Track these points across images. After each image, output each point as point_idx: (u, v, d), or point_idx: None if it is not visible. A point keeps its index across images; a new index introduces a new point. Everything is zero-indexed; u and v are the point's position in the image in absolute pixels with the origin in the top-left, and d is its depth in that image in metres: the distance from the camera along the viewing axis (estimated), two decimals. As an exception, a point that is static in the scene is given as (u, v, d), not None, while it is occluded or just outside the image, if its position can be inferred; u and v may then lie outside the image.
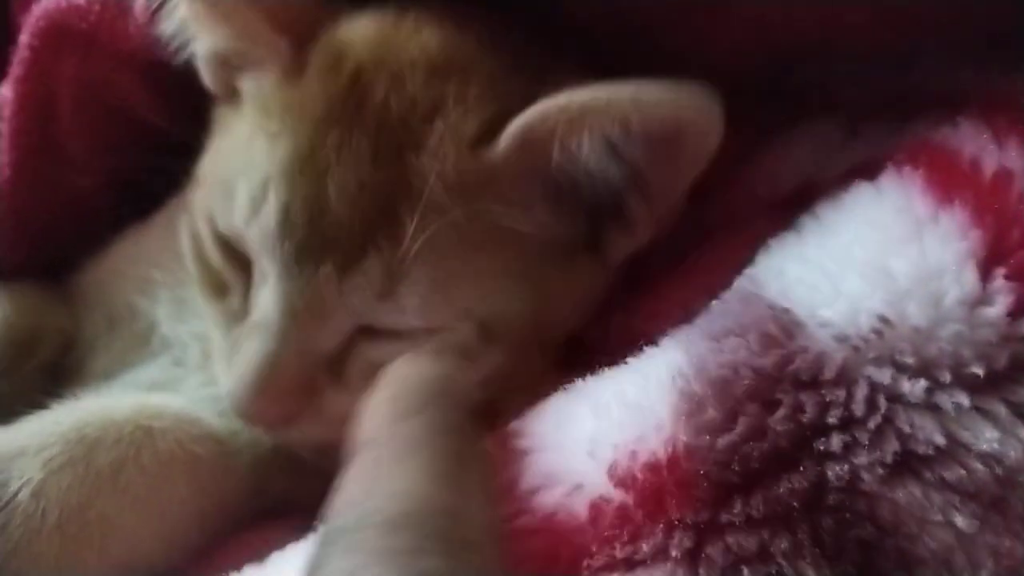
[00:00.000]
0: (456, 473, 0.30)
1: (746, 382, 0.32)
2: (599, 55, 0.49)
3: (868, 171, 0.41)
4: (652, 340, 0.46)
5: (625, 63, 0.46)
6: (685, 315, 0.47)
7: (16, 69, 0.58)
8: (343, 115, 0.44)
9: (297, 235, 0.43)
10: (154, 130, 0.64)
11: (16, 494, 0.43)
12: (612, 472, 0.32)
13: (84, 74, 0.58)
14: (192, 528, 0.48)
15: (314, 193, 0.43)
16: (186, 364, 0.56)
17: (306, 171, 0.44)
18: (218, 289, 0.49)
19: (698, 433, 0.32)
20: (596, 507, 0.32)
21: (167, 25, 0.50)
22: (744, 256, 0.48)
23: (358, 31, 0.48)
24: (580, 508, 0.32)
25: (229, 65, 0.50)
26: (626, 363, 0.38)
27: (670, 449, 0.32)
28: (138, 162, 0.65)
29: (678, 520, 0.31)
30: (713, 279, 0.47)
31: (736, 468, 0.31)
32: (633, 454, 0.33)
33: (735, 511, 0.31)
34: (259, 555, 0.45)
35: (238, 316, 0.47)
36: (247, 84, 0.49)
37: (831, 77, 0.52)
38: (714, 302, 0.38)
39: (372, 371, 0.44)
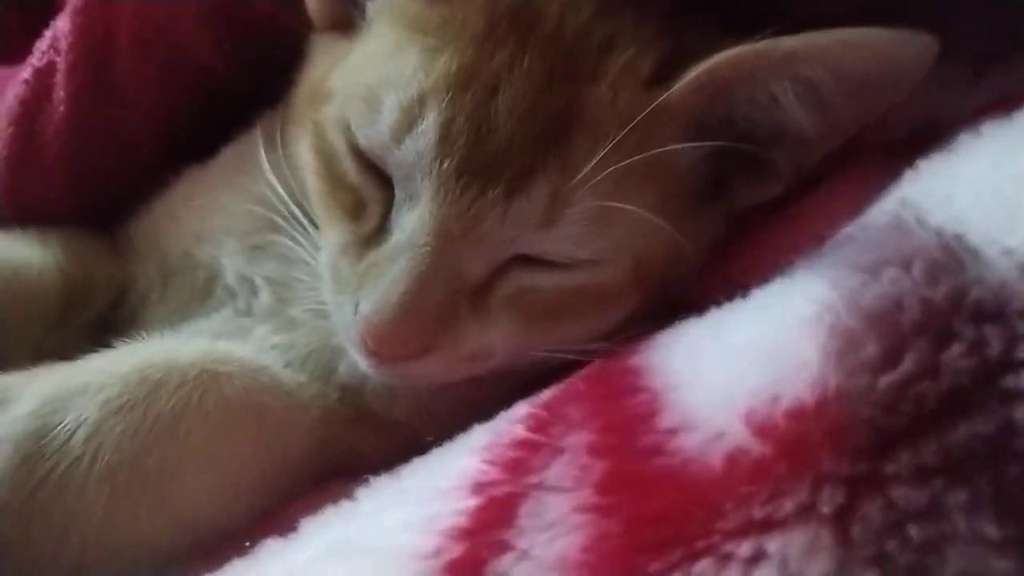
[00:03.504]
0: None
1: (913, 315, 0.27)
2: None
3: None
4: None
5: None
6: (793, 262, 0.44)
7: (74, 2, 0.55)
8: (512, 34, 0.43)
9: (458, 154, 0.41)
10: (210, 78, 0.61)
11: (71, 435, 0.40)
12: (750, 419, 0.28)
13: (143, 15, 0.56)
14: (256, 484, 0.45)
15: (480, 111, 0.41)
16: (253, 313, 0.53)
17: (471, 88, 0.42)
18: (351, 209, 0.46)
19: (854, 373, 0.27)
20: (732, 459, 0.28)
21: None
22: (856, 201, 0.44)
23: None
24: (715, 460, 0.28)
25: None
26: (750, 296, 0.34)
27: (819, 392, 0.28)
28: (193, 111, 0.62)
29: (829, 473, 0.26)
30: (821, 226, 0.45)
31: (904, 411, 0.26)
32: (774, 399, 0.28)
33: (902, 461, 0.26)
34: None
35: (372, 238, 0.44)
36: (380, 3, 0.47)
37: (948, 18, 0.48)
38: (852, 231, 0.33)
39: (518, 301, 0.44)
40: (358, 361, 0.47)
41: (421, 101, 0.42)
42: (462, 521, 0.30)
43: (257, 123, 0.57)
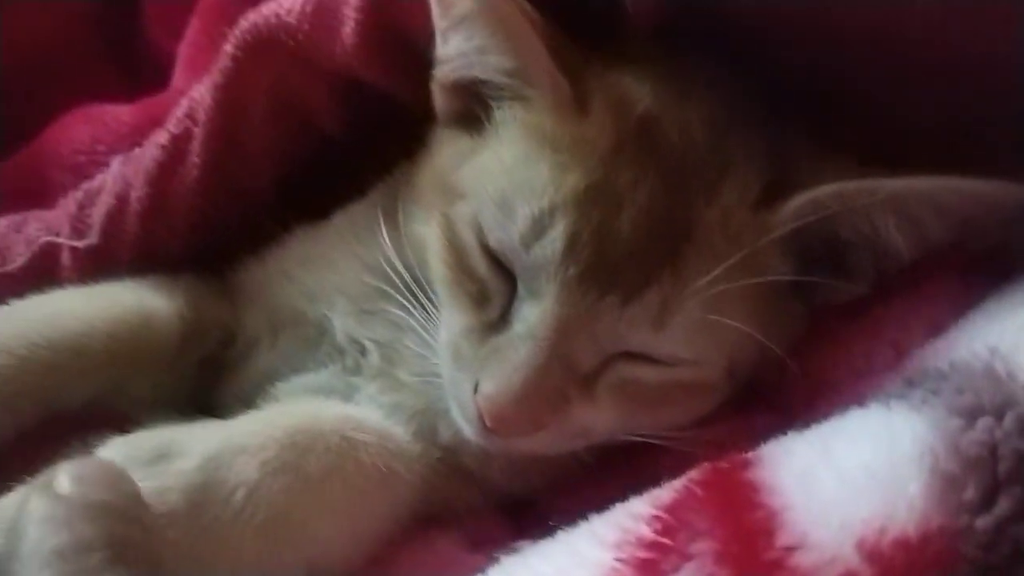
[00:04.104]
0: None
1: (1007, 464, 0.32)
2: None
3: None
4: (837, 387, 0.48)
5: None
6: (867, 364, 0.50)
7: (216, 76, 0.60)
8: (636, 157, 0.47)
9: (583, 263, 0.46)
10: (325, 140, 0.66)
11: (233, 492, 0.45)
12: (861, 546, 0.32)
13: (280, 86, 0.61)
14: (375, 533, 0.50)
15: (605, 226, 0.46)
16: (361, 372, 0.58)
17: (598, 204, 0.46)
18: (475, 297, 0.50)
19: (954, 513, 0.32)
20: (845, 579, 0.32)
21: (444, 50, 0.52)
22: (930, 313, 0.49)
23: (637, 80, 0.50)
24: (830, 578, 0.32)
25: (477, 94, 0.53)
26: (846, 416, 0.38)
27: (923, 529, 0.32)
28: (303, 167, 0.68)
29: (934, 600, 0.31)
30: (897, 333, 0.50)
31: (999, 549, 0.31)
32: (882, 530, 0.33)
33: (995, 594, 0.30)
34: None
35: (493, 325, 0.49)
36: (510, 112, 0.52)
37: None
38: (943, 367, 0.38)
39: (621, 390, 0.48)
40: (465, 429, 0.52)
41: (551, 213, 0.47)
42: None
43: (371, 194, 0.63)
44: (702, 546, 0.35)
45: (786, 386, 0.53)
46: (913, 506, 0.33)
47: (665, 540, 0.36)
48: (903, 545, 0.32)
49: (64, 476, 0.39)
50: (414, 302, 0.56)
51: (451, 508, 0.56)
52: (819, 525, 0.34)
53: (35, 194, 0.85)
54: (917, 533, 0.32)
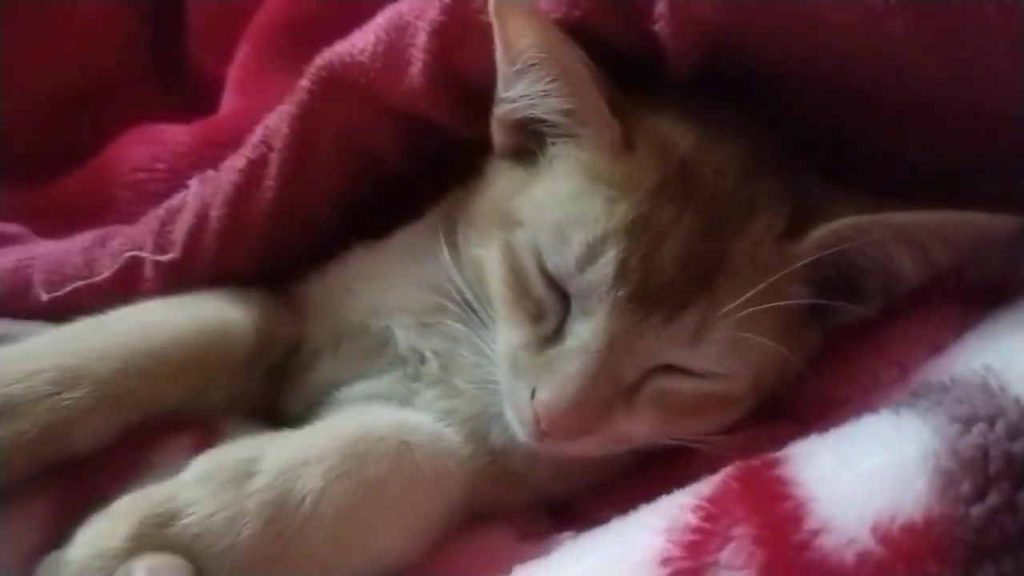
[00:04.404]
0: None
1: (997, 463, 0.39)
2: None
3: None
4: (847, 402, 0.55)
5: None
6: (875, 381, 0.57)
7: (292, 108, 0.67)
8: (677, 193, 0.54)
9: (631, 286, 0.52)
10: (384, 167, 0.73)
11: (302, 501, 0.50)
12: (875, 530, 0.39)
13: (349, 119, 0.67)
14: (430, 529, 0.56)
15: (650, 254, 0.52)
16: (421, 379, 0.64)
17: (645, 234, 0.53)
18: (532, 314, 0.57)
19: (952, 504, 0.38)
20: (861, 558, 0.39)
21: (508, 92, 0.59)
22: (931, 337, 0.56)
23: (676, 124, 0.57)
24: (849, 557, 0.39)
25: (533, 131, 0.59)
26: (860, 422, 0.46)
27: (926, 516, 0.39)
28: (362, 192, 0.74)
29: (933, 574, 0.37)
30: (901, 353, 0.57)
31: (990, 534, 0.37)
32: (892, 517, 0.39)
33: (988, 572, 0.37)
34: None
35: (548, 339, 0.56)
36: (564, 149, 0.59)
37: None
38: (945, 380, 0.45)
39: (659, 400, 0.55)
40: (519, 433, 0.58)
41: (603, 240, 0.53)
42: (657, 586, 0.41)
43: (428, 217, 0.69)
44: (741, 530, 0.41)
45: (802, 401, 0.60)
46: (918, 499, 0.39)
47: (708, 526, 0.42)
48: (910, 530, 0.38)
49: (140, 570, 0.46)
50: (471, 316, 0.62)
51: (499, 507, 0.62)
52: (839, 513, 0.40)
53: (96, 209, 0.92)
54: (922, 520, 0.39)
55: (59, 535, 0.51)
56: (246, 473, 0.51)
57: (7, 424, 0.51)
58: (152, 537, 0.48)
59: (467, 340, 0.63)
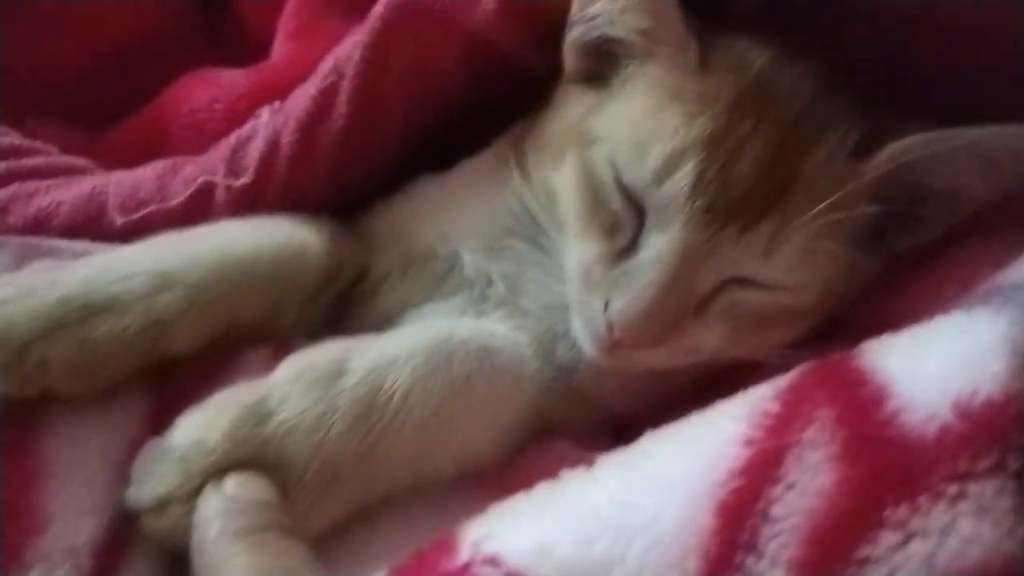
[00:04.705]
0: None
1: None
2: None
3: None
4: (909, 316, 0.56)
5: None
6: (938, 297, 0.58)
7: (364, 36, 0.68)
8: (752, 108, 0.56)
9: (708, 197, 0.54)
10: (450, 101, 0.75)
11: (391, 398, 0.53)
12: (955, 407, 0.41)
13: (419, 48, 0.69)
14: (507, 431, 0.58)
15: (727, 166, 0.54)
16: (488, 301, 0.67)
17: (722, 147, 0.55)
18: (607, 228, 0.59)
19: (1030, 383, 0.40)
20: (943, 431, 0.41)
21: (587, 11, 0.61)
22: (995, 257, 0.57)
23: (751, 46, 0.59)
24: (931, 432, 0.41)
25: (607, 53, 0.61)
26: (932, 321, 0.47)
27: (1006, 393, 0.41)
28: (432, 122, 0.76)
29: (1014, 445, 0.39)
30: (965, 271, 0.58)
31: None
32: (972, 394, 0.41)
33: (1064, 443, 0.39)
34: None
35: (621, 254, 0.58)
36: (639, 69, 0.61)
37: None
38: (1020, 281, 0.47)
39: (730, 312, 0.57)
40: (587, 347, 0.60)
41: (681, 154, 0.55)
42: (740, 463, 0.43)
43: (494, 145, 0.71)
44: (822, 413, 0.43)
45: (864, 316, 0.61)
46: (997, 377, 0.41)
47: (788, 411, 0.44)
48: (989, 405, 0.40)
49: (230, 482, 0.48)
50: (539, 239, 0.64)
51: (563, 423, 0.64)
52: (919, 394, 0.42)
53: (155, 150, 0.94)
54: (1001, 396, 0.40)
55: (154, 430, 0.53)
56: (336, 372, 0.53)
57: (111, 320, 0.53)
58: (247, 435, 0.50)
59: (535, 262, 0.65)
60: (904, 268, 0.62)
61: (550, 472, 0.51)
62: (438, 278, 0.69)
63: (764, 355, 0.58)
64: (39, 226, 0.72)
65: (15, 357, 0.50)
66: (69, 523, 0.48)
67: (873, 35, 0.60)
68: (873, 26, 0.60)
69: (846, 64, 0.61)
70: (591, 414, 0.66)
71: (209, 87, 0.96)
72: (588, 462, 0.49)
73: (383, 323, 0.70)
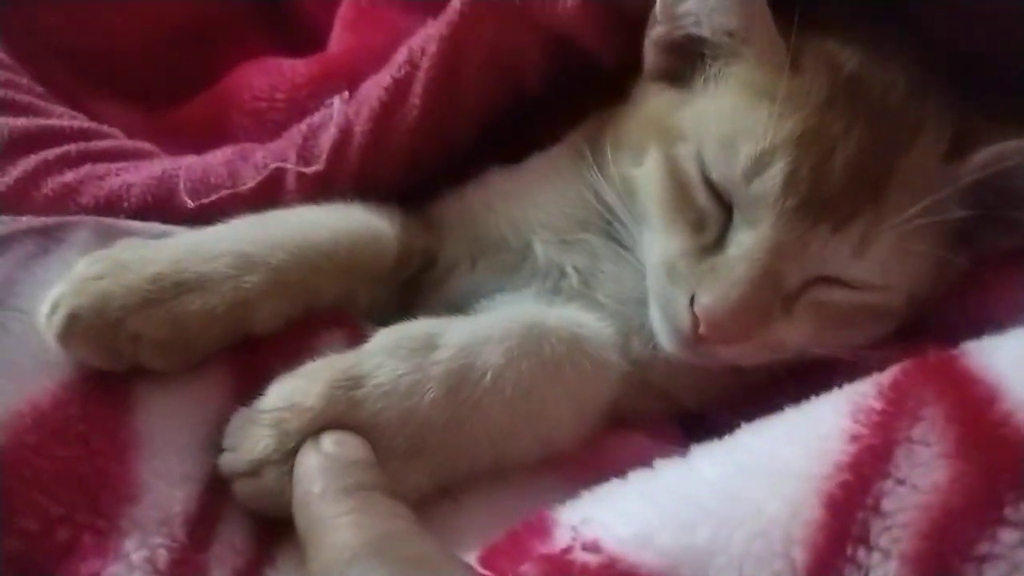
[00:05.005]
0: None
1: None
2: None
3: None
4: (997, 324, 0.56)
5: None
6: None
7: (441, 28, 0.69)
8: (845, 108, 0.56)
9: (799, 195, 0.54)
10: (525, 93, 0.75)
11: (484, 375, 0.53)
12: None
13: (498, 40, 0.69)
14: (590, 417, 0.58)
15: (818, 165, 0.54)
16: (560, 293, 0.66)
17: (814, 146, 0.55)
18: (693, 223, 0.59)
19: None
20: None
21: (674, 10, 0.61)
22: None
23: (842, 45, 0.59)
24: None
25: (690, 51, 0.61)
26: None
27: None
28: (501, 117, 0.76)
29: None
30: None
31: None
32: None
33: None
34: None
35: (707, 249, 0.58)
36: (725, 69, 0.61)
37: None
38: None
39: (816, 310, 0.56)
40: (666, 341, 0.60)
41: (772, 153, 0.55)
42: (846, 458, 0.43)
43: (569, 139, 0.71)
44: (930, 411, 0.43)
45: (950, 321, 0.61)
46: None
47: (894, 408, 0.44)
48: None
49: (328, 440, 0.48)
50: (616, 232, 0.64)
51: (636, 415, 0.64)
52: (1026, 395, 0.42)
53: (216, 131, 0.95)
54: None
55: (239, 404, 0.53)
56: (430, 345, 0.53)
57: (200, 298, 0.53)
58: (341, 399, 0.50)
59: (609, 256, 0.65)
60: (992, 269, 0.61)
61: (631, 462, 0.51)
62: (510, 268, 0.69)
63: (847, 353, 0.58)
64: (110, 207, 0.72)
65: (110, 331, 0.50)
66: (162, 493, 0.48)
67: (962, 21, 0.60)
68: (962, 12, 0.59)
69: (935, 51, 0.60)
70: (663, 407, 0.66)
71: (270, 75, 0.96)
72: (679, 453, 0.49)
73: (452, 310, 0.69)
